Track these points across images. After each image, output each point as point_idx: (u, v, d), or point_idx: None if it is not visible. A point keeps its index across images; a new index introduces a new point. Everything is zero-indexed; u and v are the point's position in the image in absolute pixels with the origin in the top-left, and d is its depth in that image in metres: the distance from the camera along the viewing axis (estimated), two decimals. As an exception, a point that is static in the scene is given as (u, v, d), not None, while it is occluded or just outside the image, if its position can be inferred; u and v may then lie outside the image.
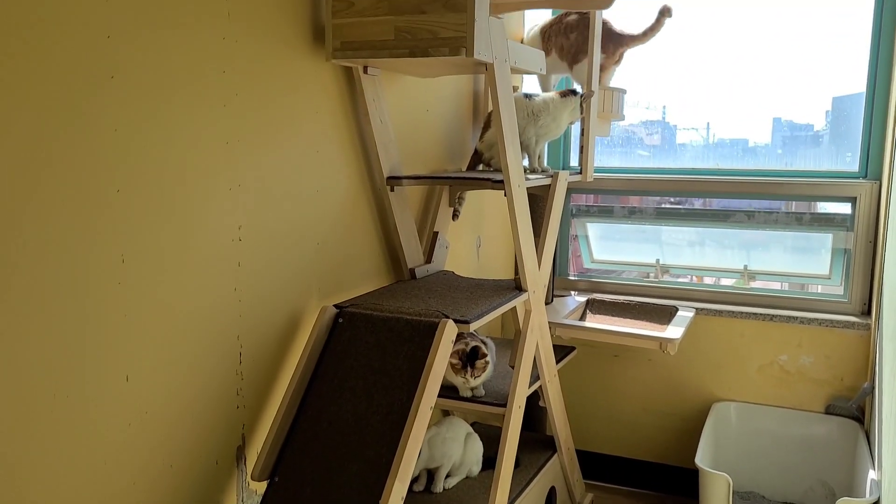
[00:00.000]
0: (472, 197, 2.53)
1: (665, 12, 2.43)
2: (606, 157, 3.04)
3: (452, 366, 1.93)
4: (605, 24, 2.44)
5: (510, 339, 2.26)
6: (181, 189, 1.39)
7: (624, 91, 2.59)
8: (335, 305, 1.75)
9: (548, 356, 2.21)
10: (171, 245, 1.38)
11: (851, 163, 2.63)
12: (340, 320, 1.73)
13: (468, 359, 1.92)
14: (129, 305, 1.30)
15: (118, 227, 1.27)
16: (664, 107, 3.05)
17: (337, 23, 1.70)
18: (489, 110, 2.41)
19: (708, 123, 2.97)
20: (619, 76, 2.59)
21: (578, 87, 2.50)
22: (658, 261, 2.99)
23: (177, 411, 1.43)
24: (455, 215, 2.38)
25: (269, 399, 1.67)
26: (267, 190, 1.61)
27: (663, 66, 2.81)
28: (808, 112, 2.81)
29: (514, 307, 1.95)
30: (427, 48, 1.63)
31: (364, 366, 1.64)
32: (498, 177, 1.93)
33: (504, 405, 1.95)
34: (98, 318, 1.25)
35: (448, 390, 2.01)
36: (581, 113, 2.23)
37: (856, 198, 2.56)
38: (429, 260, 2.20)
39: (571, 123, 2.29)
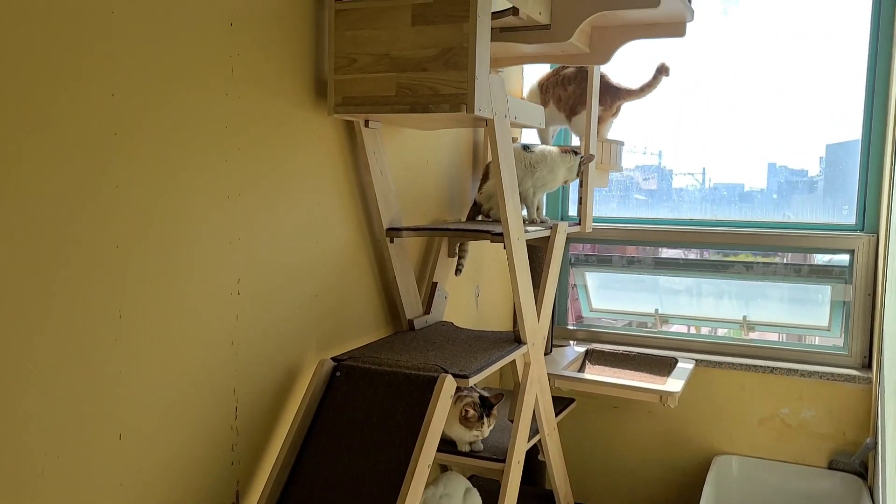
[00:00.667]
0: (472, 246, 2.54)
1: (662, 70, 2.47)
2: (604, 202, 3.06)
3: (467, 420, 1.90)
4: (602, 78, 2.48)
5: (509, 390, 2.24)
6: (181, 243, 1.39)
7: (622, 143, 2.62)
8: (333, 358, 1.74)
9: (547, 409, 2.18)
10: (169, 300, 1.38)
11: (848, 215, 2.65)
12: (338, 374, 1.72)
13: (484, 408, 1.90)
14: (125, 362, 1.29)
15: (116, 282, 1.27)
16: (660, 152, 3.08)
17: (339, 78, 1.72)
18: (488, 161, 2.44)
19: (704, 168, 3.00)
20: (616, 121, 2.62)
21: (578, 140, 2.53)
22: (657, 310, 2.98)
23: (170, 469, 1.40)
24: (458, 270, 2.39)
25: (265, 455, 1.65)
26: (267, 242, 1.62)
27: (660, 111, 2.85)
28: (803, 158, 2.84)
29: (514, 360, 1.94)
30: (428, 104, 1.65)
31: (361, 421, 1.62)
32: (497, 229, 1.93)
33: (503, 460, 1.92)
34: (92, 375, 1.23)
35: (446, 445, 1.98)
36: (578, 174, 2.25)
37: (854, 250, 2.57)
38: (428, 310, 2.20)
39: (567, 182, 2.30)
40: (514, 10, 1.87)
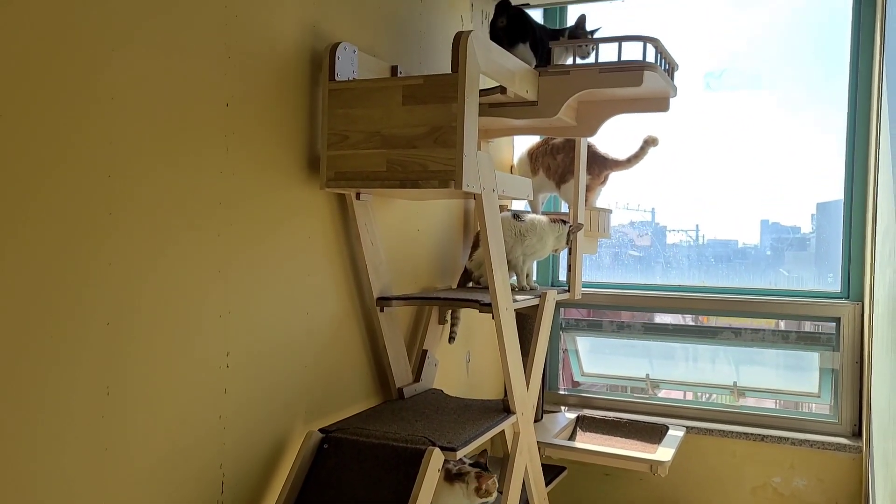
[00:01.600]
0: (463, 312, 2.55)
1: (650, 142, 2.54)
2: (597, 259, 3.09)
3: (487, 492, 1.84)
4: (590, 148, 2.54)
5: (499, 457, 2.22)
6: (171, 318, 1.41)
7: (610, 211, 2.67)
8: (321, 430, 1.74)
9: (537, 479, 2.17)
10: (158, 375, 1.39)
11: (833, 283, 2.68)
12: (326, 446, 1.72)
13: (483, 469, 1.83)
14: (111, 438, 1.29)
15: (105, 359, 1.28)
16: (653, 209, 3.13)
17: (332, 154, 1.77)
18: (478, 229, 2.48)
19: (697, 225, 3.04)
20: (611, 178, 2.66)
21: (567, 207, 2.58)
22: (648, 375, 2.99)
23: (153, 547, 1.39)
24: (451, 338, 2.41)
25: (250, 529, 1.63)
26: (257, 315, 1.64)
27: (652, 170, 2.90)
28: (795, 215, 2.89)
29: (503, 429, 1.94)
30: (417, 180, 1.70)
31: (348, 495, 1.61)
32: (486, 299, 1.96)
33: (492, 533, 1.90)
34: (78, 452, 1.24)
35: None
36: (567, 244, 2.29)
37: (840, 318, 2.60)
38: (417, 378, 2.20)
39: (557, 251, 2.34)
40: (502, 88, 1.94)
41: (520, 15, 2.18)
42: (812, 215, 2.84)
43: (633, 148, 2.58)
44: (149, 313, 1.36)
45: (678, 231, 3.09)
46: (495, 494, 1.89)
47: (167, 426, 1.41)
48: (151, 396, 1.37)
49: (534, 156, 2.66)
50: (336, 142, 1.77)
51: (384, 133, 1.72)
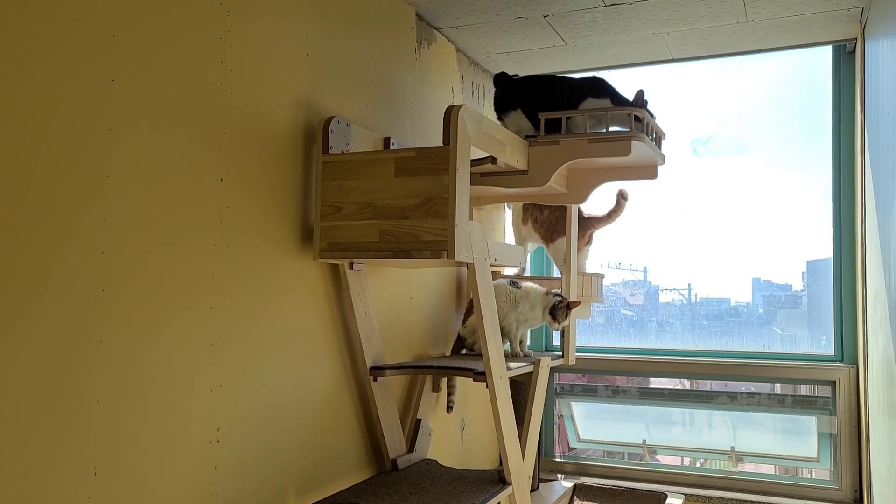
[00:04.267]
0: (458, 380, 2.53)
1: (622, 195, 2.58)
2: (590, 318, 3.07)
3: None
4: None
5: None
6: (162, 395, 1.40)
7: (602, 276, 2.68)
8: (312, 505, 1.70)
9: (534, 552, 2.12)
10: (147, 453, 1.36)
11: (827, 346, 2.68)
12: (317, 522, 1.68)
13: None
14: (98, 520, 1.26)
15: (93, 438, 1.26)
16: (645, 268, 3.15)
17: (325, 225, 1.79)
18: (472, 295, 2.48)
19: (689, 284, 3.06)
20: (602, 237, 2.69)
21: (559, 269, 2.59)
22: (644, 441, 2.95)
23: None
24: (449, 407, 2.38)
25: None
26: (249, 387, 1.62)
27: (644, 229, 2.93)
28: (786, 273, 2.91)
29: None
30: (410, 250, 1.71)
31: (340, 575, 1.57)
32: (480, 367, 1.95)
33: None
34: (64, 537, 1.21)
35: None
36: (566, 318, 2.25)
37: (835, 381, 2.59)
38: (411, 448, 2.17)
39: (556, 328, 2.29)
40: (493, 159, 1.97)
41: (514, 83, 2.24)
42: (802, 273, 2.87)
43: (610, 204, 2.62)
44: (140, 390, 1.35)
45: (670, 290, 3.10)
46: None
47: (155, 506, 1.38)
48: (140, 476, 1.35)
49: (526, 206, 2.69)
50: (329, 213, 1.79)
51: (377, 204, 1.74)
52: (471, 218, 1.77)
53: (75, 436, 1.23)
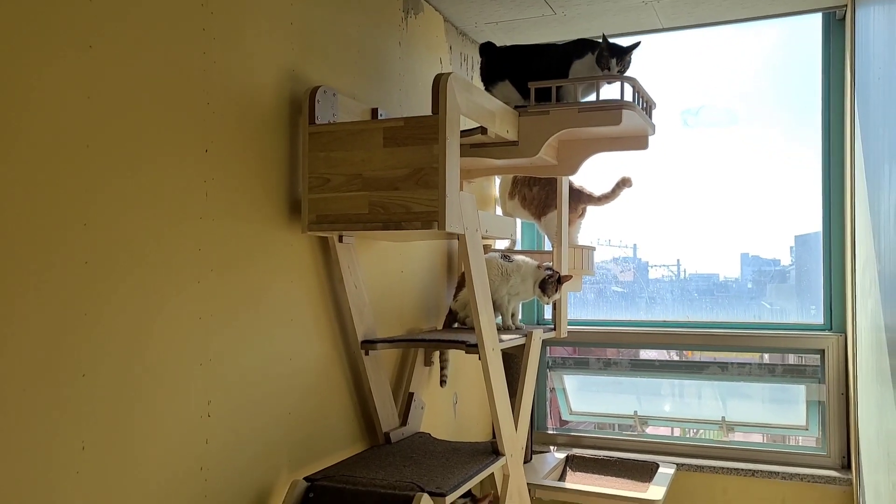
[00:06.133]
0: (450, 353, 2.53)
1: (624, 183, 2.57)
2: (581, 295, 3.08)
3: None
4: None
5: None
6: (150, 369, 1.38)
7: (593, 248, 2.67)
8: (306, 478, 1.70)
9: (528, 522, 2.13)
10: (136, 428, 1.35)
11: (816, 315, 2.70)
12: (311, 495, 1.67)
13: None
14: (87, 495, 1.25)
15: (81, 412, 1.24)
16: (635, 245, 3.15)
17: (313, 198, 1.77)
18: (463, 270, 2.47)
19: (678, 260, 3.06)
20: (592, 214, 2.68)
21: (549, 242, 2.58)
22: (636, 412, 2.96)
23: None
24: (443, 381, 2.38)
25: (233, 585, 1.58)
26: (239, 362, 1.61)
27: (633, 206, 2.93)
28: (774, 248, 2.91)
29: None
30: (400, 222, 1.69)
31: (334, 547, 1.57)
32: (472, 340, 1.94)
33: (483, 581, 1.85)
34: (54, 512, 1.19)
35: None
36: (557, 292, 2.24)
37: (824, 350, 2.60)
38: (404, 422, 2.17)
39: (547, 302, 2.28)
40: (483, 129, 1.95)
41: (500, 53, 2.21)
42: (791, 247, 2.87)
43: (608, 187, 2.61)
44: (127, 364, 1.33)
45: (660, 266, 3.11)
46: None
47: (146, 480, 1.37)
48: (129, 450, 1.33)
49: (515, 180, 2.67)
50: (317, 185, 1.76)
51: (365, 175, 1.72)
52: (461, 190, 1.76)
53: (61, 410, 1.21)
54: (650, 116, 2.18)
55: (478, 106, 1.84)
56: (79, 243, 1.25)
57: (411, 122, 1.69)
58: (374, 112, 2.02)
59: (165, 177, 1.42)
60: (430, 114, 1.66)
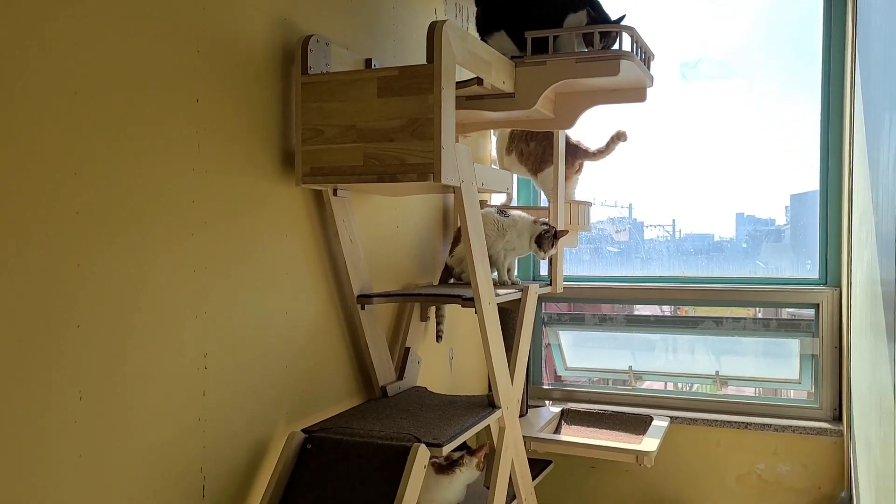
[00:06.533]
0: (446, 309, 2.53)
1: (619, 137, 2.54)
2: (577, 255, 3.09)
3: (478, 465, 1.95)
4: (562, 136, 2.53)
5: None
6: (145, 320, 1.38)
7: (590, 204, 2.66)
8: (304, 430, 1.71)
9: (524, 473, 2.15)
10: (133, 378, 1.35)
11: (812, 269, 2.70)
12: (309, 446, 1.68)
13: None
14: (85, 445, 1.25)
15: (77, 363, 1.24)
16: (630, 205, 3.14)
17: (306, 149, 1.74)
18: (459, 225, 2.46)
19: (674, 220, 3.05)
20: (587, 174, 2.66)
21: (544, 197, 2.57)
22: (630, 367, 2.99)
23: (133, 555, 1.35)
24: (439, 336, 2.39)
25: (233, 534, 1.60)
26: (235, 315, 1.60)
27: (629, 166, 2.91)
28: (769, 208, 2.91)
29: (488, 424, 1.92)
30: (395, 174, 1.67)
31: (333, 497, 1.58)
32: (468, 294, 1.94)
33: (480, 530, 1.88)
34: (50, 460, 1.20)
35: (421, 516, 1.94)
36: (553, 247, 2.22)
37: (818, 304, 2.61)
38: (401, 376, 2.18)
39: (543, 257, 2.27)
40: (479, 80, 1.92)
41: (496, 2, 2.16)
42: (786, 207, 2.87)
43: (602, 141, 2.58)
44: (121, 315, 1.32)
45: (655, 226, 3.10)
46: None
47: (144, 430, 1.37)
48: (127, 400, 1.33)
49: (512, 135, 2.64)
50: (311, 136, 1.74)
51: (360, 126, 1.69)
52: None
53: (58, 360, 1.21)
54: (648, 68, 2.14)
55: (474, 55, 1.80)
56: (70, 193, 1.23)
57: (406, 72, 1.66)
58: (368, 63, 1.98)
59: (157, 127, 1.40)
60: (426, 63, 1.63)
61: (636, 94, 2.18)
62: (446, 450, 1.65)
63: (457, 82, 1.75)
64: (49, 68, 1.19)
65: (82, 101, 1.25)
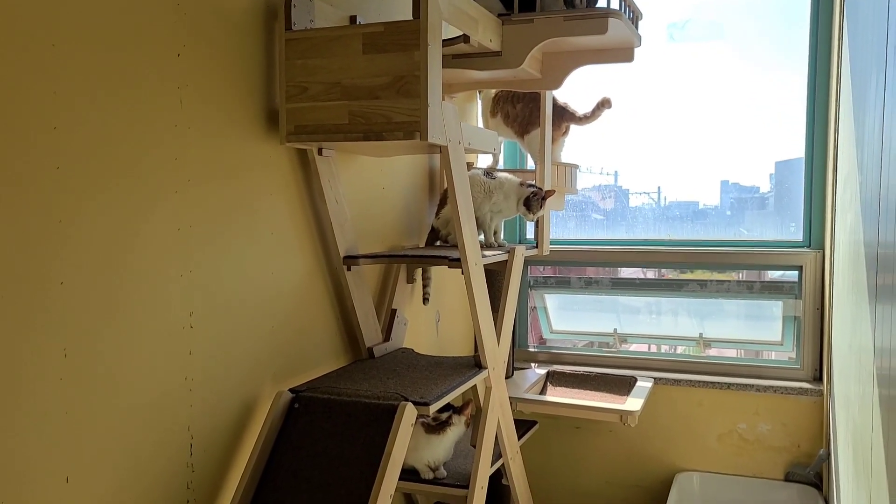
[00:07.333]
0: (432, 272, 2.53)
1: (604, 104, 2.53)
2: (562, 222, 3.09)
3: (466, 423, 1.98)
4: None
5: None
6: (129, 278, 1.36)
7: (576, 166, 2.65)
8: (291, 390, 1.71)
9: (510, 433, 2.18)
10: (118, 336, 1.34)
11: (796, 232, 2.72)
12: (296, 405, 1.69)
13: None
14: (71, 402, 1.25)
15: (61, 320, 1.23)
16: (616, 172, 3.14)
17: (291, 107, 1.72)
18: (445, 187, 2.45)
19: (659, 187, 3.06)
20: (573, 141, 2.65)
21: (532, 160, 2.56)
22: (615, 330, 3.01)
23: (121, 512, 1.35)
24: (425, 299, 2.38)
25: (223, 492, 1.60)
26: (220, 274, 1.59)
27: (614, 132, 2.91)
28: (754, 175, 2.92)
29: (475, 384, 1.93)
30: (381, 132, 1.66)
31: (320, 454, 1.59)
32: (455, 255, 1.94)
33: (467, 486, 1.91)
34: (36, 417, 1.19)
35: (408, 474, 1.96)
36: (541, 209, 2.21)
37: (802, 266, 2.64)
38: (387, 338, 2.18)
39: (531, 218, 2.26)
40: (465, 38, 1.89)
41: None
42: (770, 175, 2.88)
43: (589, 107, 2.57)
44: (105, 272, 1.31)
45: (641, 194, 3.11)
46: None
47: (130, 388, 1.37)
48: (112, 358, 1.33)
49: (497, 97, 2.62)
50: (295, 94, 1.71)
51: (345, 84, 1.67)
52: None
53: (41, 319, 1.20)
54: (636, 27, 2.12)
55: (460, 11, 1.78)
56: (49, 148, 1.20)
57: (391, 28, 1.63)
58: (353, 20, 1.95)
59: (137, 80, 1.37)
60: (412, 19, 1.60)
61: (624, 53, 2.17)
62: (433, 408, 1.66)
63: (443, 40, 1.72)
64: (25, 21, 1.16)
65: (60, 55, 1.22)
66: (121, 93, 1.33)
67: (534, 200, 2.21)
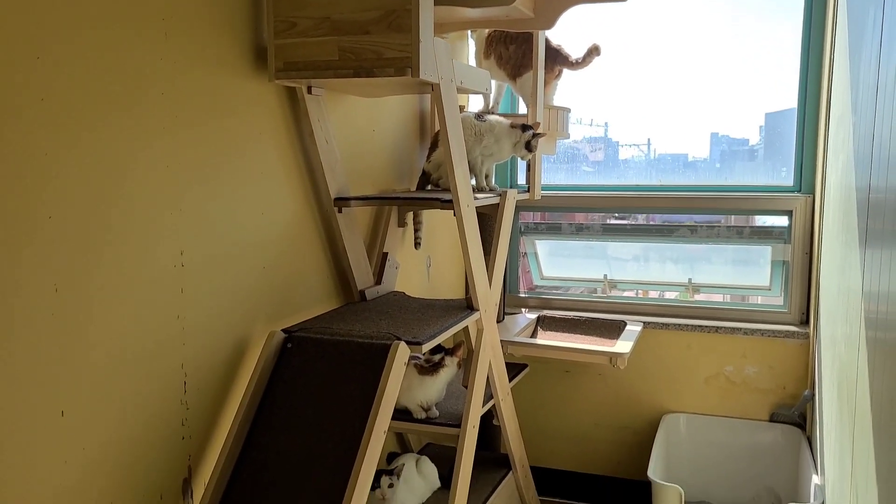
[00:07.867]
0: (424, 216, 2.52)
1: (594, 51, 2.49)
2: (552, 174, 3.08)
3: (458, 364, 2.01)
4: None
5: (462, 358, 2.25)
6: (118, 214, 1.34)
7: (568, 110, 2.63)
8: (283, 330, 1.72)
9: (501, 375, 2.20)
10: (109, 272, 1.33)
11: (787, 177, 2.72)
12: (289, 345, 1.70)
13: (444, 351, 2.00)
14: (64, 337, 1.24)
15: (51, 255, 1.21)
16: (606, 123, 3.11)
17: (279, 43, 1.68)
18: (436, 130, 2.42)
19: (649, 139, 3.04)
20: (563, 93, 2.63)
21: (524, 104, 2.53)
22: (605, 276, 3.03)
23: (117, 445, 1.37)
24: (417, 243, 2.38)
25: (217, 428, 1.62)
26: (210, 213, 1.57)
27: (605, 83, 2.88)
28: (744, 127, 2.91)
29: (466, 326, 1.94)
30: (372, 68, 1.63)
31: (314, 393, 1.61)
32: (447, 197, 1.93)
33: (458, 425, 1.93)
34: (30, 351, 1.19)
35: (400, 414, 1.99)
36: (532, 149, 2.20)
37: (792, 211, 2.65)
38: (379, 281, 2.18)
39: (523, 158, 2.25)
40: (457, -27, 1.84)
41: None
42: (760, 126, 2.86)
43: (580, 53, 2.53)
44: (93, 207, 1.29)
45: (631, 146, 3.09)
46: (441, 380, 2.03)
47: (122, 324, 1.36)
48: (103, 294, 1.32)
49: (490, 38, 2.57)
50: (283, 29, 1.67)
51: (335, 18, 1.63)
52: (435, 37, 1.68)
53: (30, 253, 1.18)
54: (632, -36, 2.07)
55: (452, -56, 1.73)
56: (32, 78, 1.17)
57: (382, -41, 1.58)
58: (342, -47, 1.89)
59: (121, 11, 1.33)
60: (403, -51, 1.56)
61: (618, -9, 2.12)
62: (426, 348, 1.67)
63: (435, -26, 1.68)
64: (1, -60, 1.11)
65: (39, -20, 1.18)
66: (105, 22, 1.29)
67: (532, 140, 2.19)
